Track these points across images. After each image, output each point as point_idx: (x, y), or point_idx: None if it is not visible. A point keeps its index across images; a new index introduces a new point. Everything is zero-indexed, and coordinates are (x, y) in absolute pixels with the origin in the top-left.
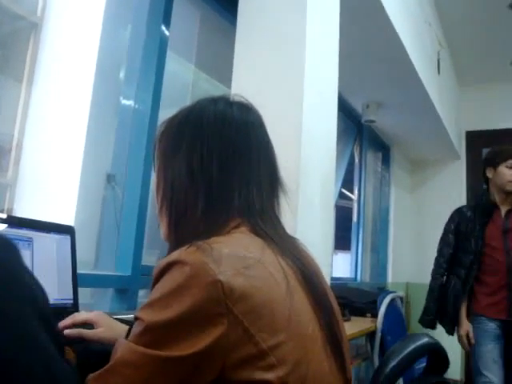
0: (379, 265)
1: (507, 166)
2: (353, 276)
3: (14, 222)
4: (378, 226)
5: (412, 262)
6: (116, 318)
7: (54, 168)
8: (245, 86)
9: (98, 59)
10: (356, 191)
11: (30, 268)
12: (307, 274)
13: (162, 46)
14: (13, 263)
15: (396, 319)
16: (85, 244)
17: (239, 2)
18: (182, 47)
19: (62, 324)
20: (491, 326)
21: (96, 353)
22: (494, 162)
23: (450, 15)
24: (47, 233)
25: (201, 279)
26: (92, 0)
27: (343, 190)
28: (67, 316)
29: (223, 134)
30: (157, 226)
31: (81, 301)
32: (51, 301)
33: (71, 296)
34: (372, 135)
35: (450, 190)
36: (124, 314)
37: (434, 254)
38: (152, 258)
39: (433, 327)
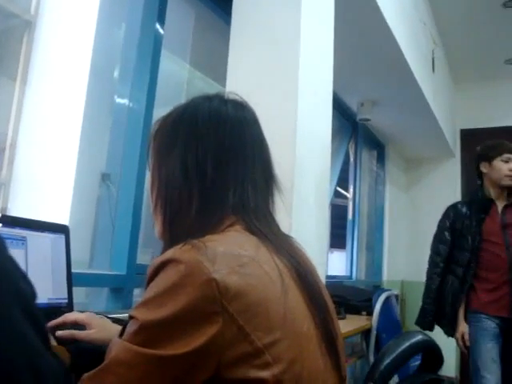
0: (374, 263)
1: (503, 160)
2: (348, 274)
3: (8, 221)
4: (374, 225)
5: (407, 260)
6: (111, 317)
7: (48, 167)
8: (239, 84)
9: (93, 58)
10: (351, 189)
11: (23, 267)
12: (302, 272)
13: (157, 44)
14: None
15: (391, 317)
16: (79, 243)
17: (233, 0)
18: (176, 46)
19: (52, 323)
20: (490, 325)
21: (90, 352)
22: (488, 156)
23: (444, 14)
24: (41, 232)
25: (195, 278)
26: None
27: (338, 189)
28: (61, 315)
29: (218, 132)
30: (152, 225)
31: (76, 300)
32: (46, 300)
33: (66, 295)
34: (367, 133)
35: (444, 188)
36: (119, 313)
37: (429, 252)
38: (147, 257)
39: (431, 329)
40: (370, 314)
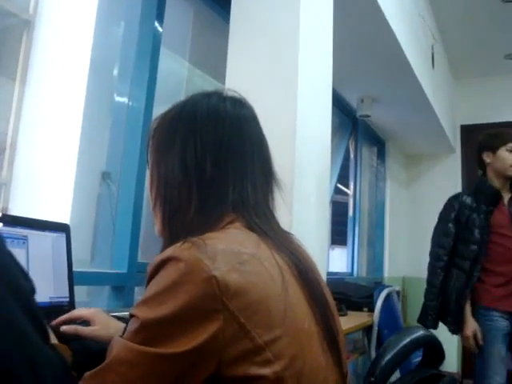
0: (375, 259)
1: (507, 150)
2: (349, 271)
3: (9, 220)
4: (374, 221)
5: (408, 256)
6: (113, 316)
7: (48, 166)
8: (238, 81)
9: (92, 56)
10: (352, 186)
11: (24, 266)
12: (302, 269)
13: (156, 42)
14: None
15: (392, 313)
16: (80, 242)
17: None
18: (175, 44)
19: (59, 319)
20: (502, 324)
21: (92, 351)
22: (492, 145)
23: (443, 9)
24: (42, 231)
25: (195, 275)
26: None
27: (339, 185)
28: (63, 314)
29: (216, 129)
30: (152, 224)
31: (77, 299)
32: (47, 299)
33: (67, 294)
34: (367, 130)
35: (445, 184)
36: (120, 312)
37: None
38: (148, 255)
39: (435, 327)
40: (371, 310)
